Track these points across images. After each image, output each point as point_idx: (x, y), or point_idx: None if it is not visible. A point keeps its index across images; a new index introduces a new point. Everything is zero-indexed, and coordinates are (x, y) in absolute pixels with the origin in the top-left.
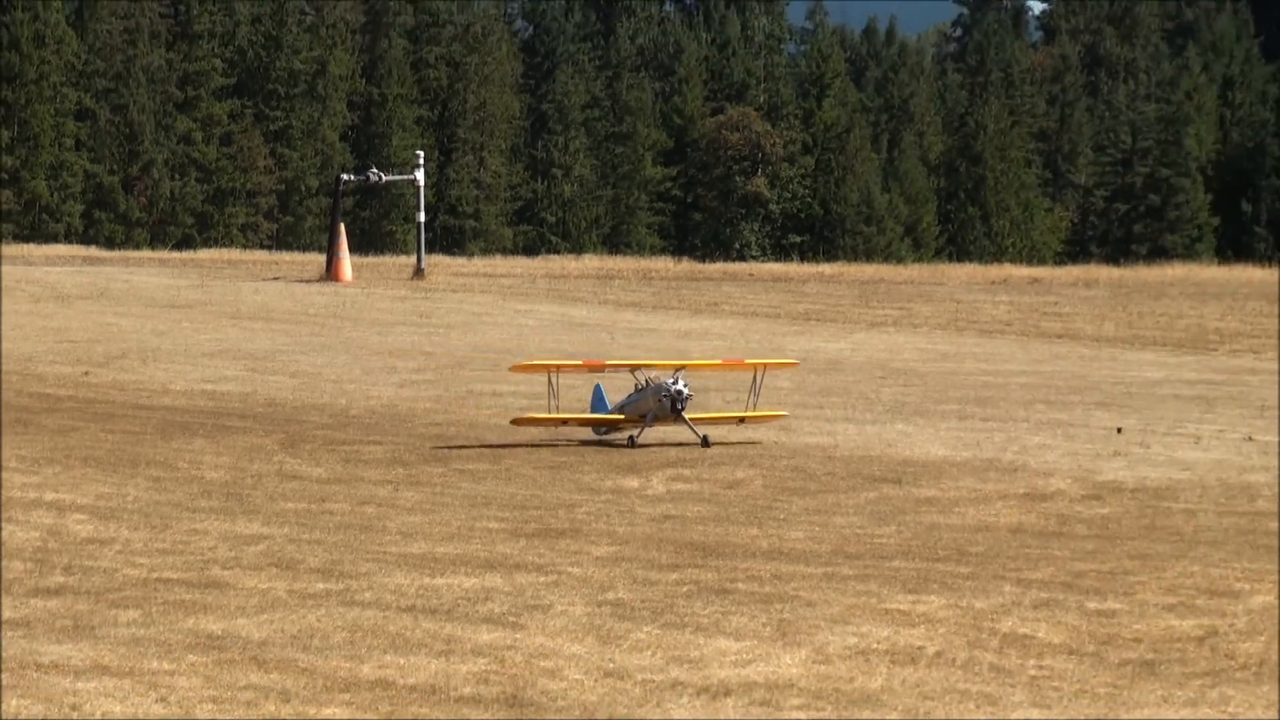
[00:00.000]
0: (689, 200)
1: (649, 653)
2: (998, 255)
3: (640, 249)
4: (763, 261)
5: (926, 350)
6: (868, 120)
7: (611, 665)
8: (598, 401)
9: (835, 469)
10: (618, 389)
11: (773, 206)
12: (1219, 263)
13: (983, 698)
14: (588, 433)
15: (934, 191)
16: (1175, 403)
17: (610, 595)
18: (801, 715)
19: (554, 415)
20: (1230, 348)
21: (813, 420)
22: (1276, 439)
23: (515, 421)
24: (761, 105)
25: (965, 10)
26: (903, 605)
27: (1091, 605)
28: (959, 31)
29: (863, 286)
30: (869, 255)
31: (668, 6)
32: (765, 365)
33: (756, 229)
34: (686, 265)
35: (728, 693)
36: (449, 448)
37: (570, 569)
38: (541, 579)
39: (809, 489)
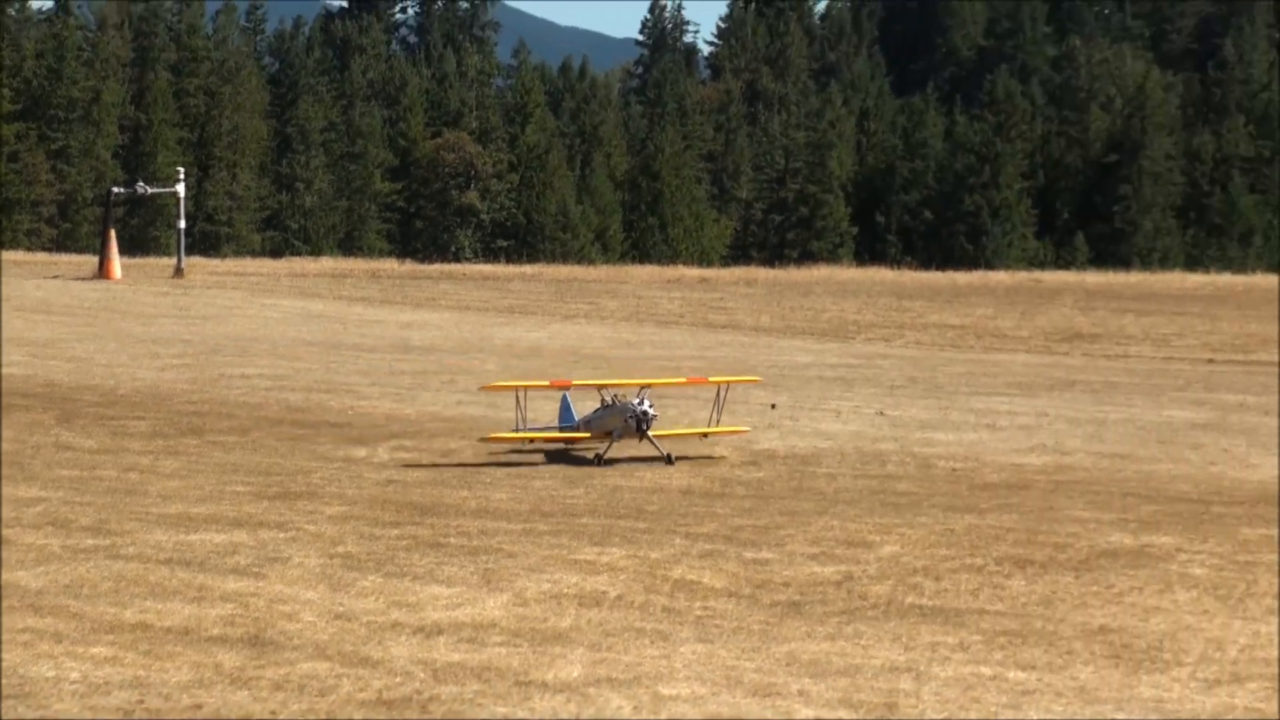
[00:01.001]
0: (412, 210)
1: (373, 598)
2: (673, 258)
3: (370, 252)
4: (475, 263)
5: (612, 338)
6: (564, 143)
7: (341, 609)
8: (565, 411)
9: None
10: (583, 402)
11: (483, 216)
12: (856, 265)
13: (656, 634)
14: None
15: (619, 203)
16: (820, 383)
17: (340, 549)
18: (503, 650)
19: (522, 434)
20: (865, 336)
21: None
22: (903, 413)
23: (485, 439)
24: (474, 130)
25: (646, 51)
26: (589, 556)
27: (748, 555)
28: (641, 69)
29: (559, 284)
30: (564, 257)
31: (394, 46)
32: (728, 382)
33: (469, 235)
34: (409, 266)
35: (440, 632)
36: (203, 423)
37: (306, 526)
38: (281, 535)
39: (511, 458)
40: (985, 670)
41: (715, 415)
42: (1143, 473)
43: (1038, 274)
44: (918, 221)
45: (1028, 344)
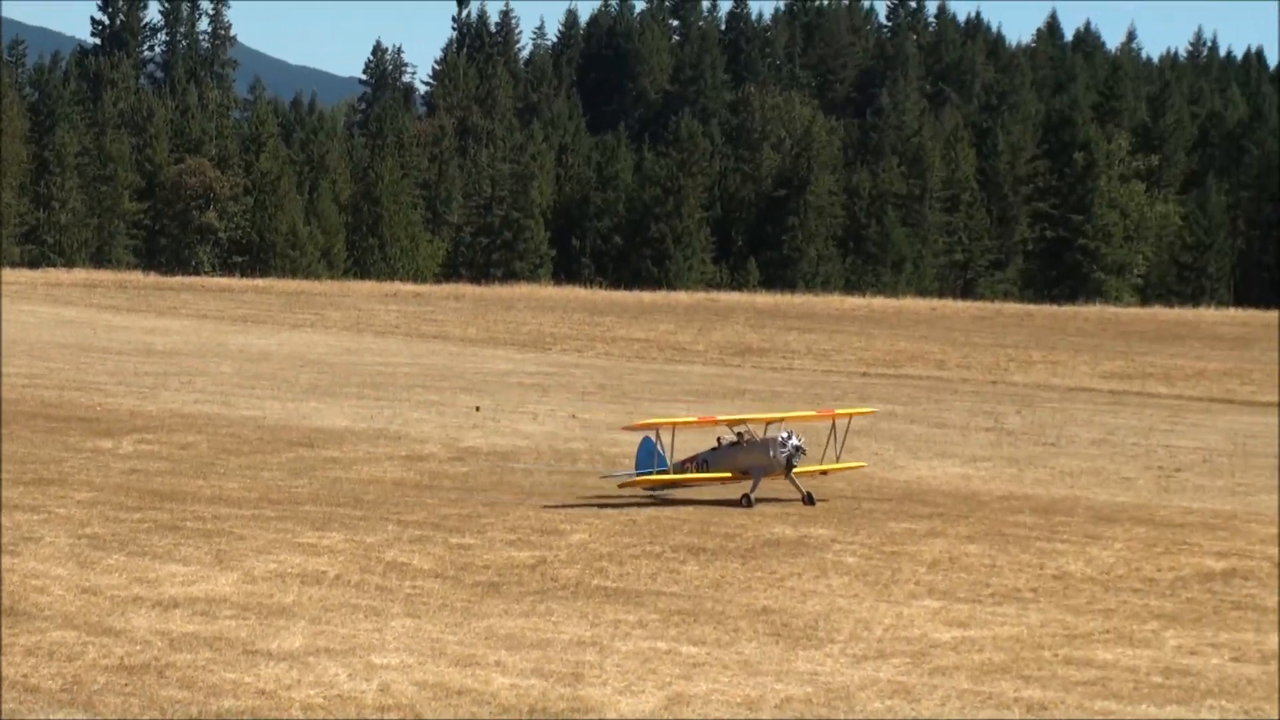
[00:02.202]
0: (156, 228)
1: (117, 574)
2: (390, 274)
3: (119, 264)
4: (212, 276)
5: (335, 346)
6: (294, 170)
7: (87, 584)
8: (646, 455)
9: (264, 435)
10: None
11: (221, 234)
12: (554, 284)
13: (370, 610)
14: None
15: (343, 225)
16: (519, 388)
17: (88, 530)
18: (232, 622)
19: (655, 477)
20: (561, 348)
21: (247, 398)
22: (593, 417)
23: (622, 485)
24: (213, 156)
25: (368, 89)
26: (311, 539)
27: (453, 540)
28: (364, 105)
29: (288, 296)
30: (293, 272)
31: (142, 80)
32: (850, 415)
33: (208, 251)
34: (154, 278)
35: (176, 605)
36: None
37: (57, 509)
38: (35, 517)
39: (243, 450)
40: (661, 645)
41: (834, 449)
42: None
43: (714, 294)
44: (609, 245)
45: (704, 356)
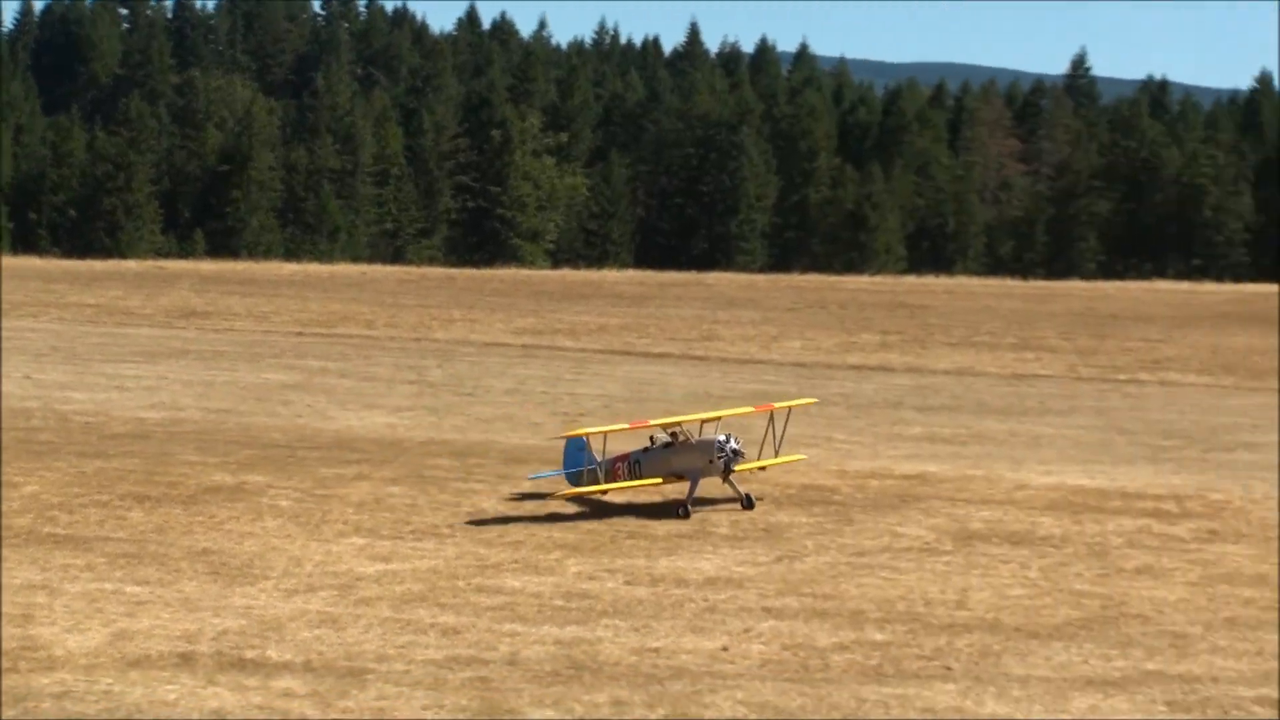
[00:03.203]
0: None
1: None
2: None
3: None
4: None
5: None
6: None
7: None
8: (576, 453)
9: None
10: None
11: None
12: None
13: None
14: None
15: None
16: None
17: None
18: None
19: (593, 488)
20: (17, 313)
21: None
22: (46, 377)
23: (565, 495)
24: None
25: None
26: None
27: None
28: None
29: None
30: None
31: None
32: (790, 407)
33: None
34: None
35: None
36: None
37: None
38: None
39: None
40: (108, 586)
41: (771, 444)
42: (243, 424)
43: (162, 262)
44: (64, 218)
45: (151, 320)
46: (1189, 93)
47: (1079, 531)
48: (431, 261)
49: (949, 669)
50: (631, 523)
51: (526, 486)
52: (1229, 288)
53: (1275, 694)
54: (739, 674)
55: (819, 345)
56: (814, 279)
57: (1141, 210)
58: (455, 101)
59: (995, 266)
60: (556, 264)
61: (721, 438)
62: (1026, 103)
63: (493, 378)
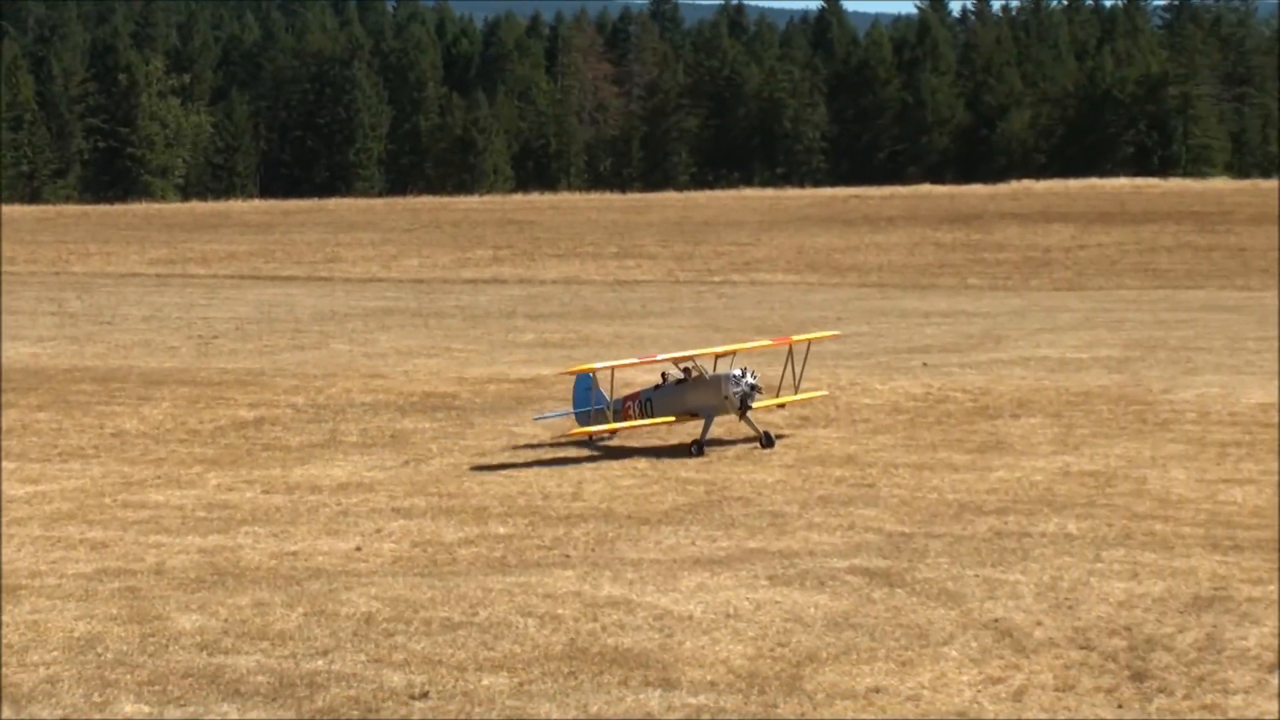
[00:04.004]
0: None
1: None
2: None
3: None
4: None
5: None
6: None
7: None
8: (584, 394)
9: None
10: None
11: None
12: None
13: None
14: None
15: None
16: None
17: None
18: None
19: (602, 427)
20: None
21: None
22: None
23: (568, 435)
24: None
25: None
26: None
27: None
28: None
29: None
30: None
31: None
32: (809, 340)
33: None
34: None
35: None
36: None
37: None
38: None
39: None
40: None
41: (792, 378)
42: None
43: None
44: None
45: None
46: (764, 14)
47: (682, 424)
48: (68, 200)
49: (568, 556)
50: (267, 434)
51: (531, 429)
52: (809, 192)
53: (866, 563)
54: (372, 571)
55: (436, 262)
56: (428, 200)
57: (727, 124)
58: (82, 49)
59: (596, 182)
60: (186, 197)
61: (737, 371)
62: (616, 29)
63: (130, 306)
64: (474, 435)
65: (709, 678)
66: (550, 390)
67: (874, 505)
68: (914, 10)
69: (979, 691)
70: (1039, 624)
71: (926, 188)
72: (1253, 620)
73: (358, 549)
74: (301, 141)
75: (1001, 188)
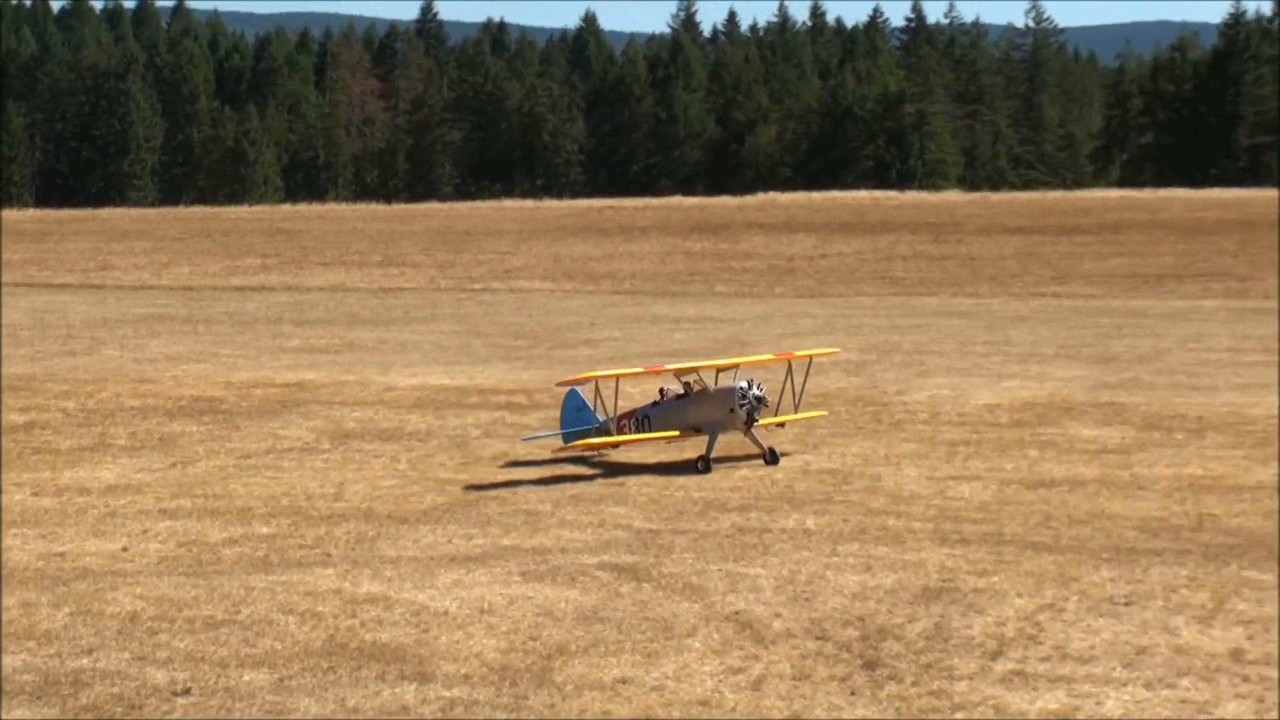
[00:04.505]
0: None
1: None
2: None
3: None
4: None
5: None
6: None
7: None
8: (574, 412)
9: None
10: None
11: None
12: None
13: None
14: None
15: None
16: None
17: None
18: None
19: (597, 441)
20: None
21: None
22: None
23: (559, 451)
24: None
25: None
26: None
27: None
28: None
29: None
30: None
31: None
32: (811, 356)
33: None
34: None
35: None
36: None
37: None
38: None
39: None
40: None
41: (794, 395)
42: None
43: None
44: None
45: None
46: (525, 32)
47: (442, 425)
48: None
49: (329, 555)
50: (37, 438)
51: (521, 449)
52: (567, 203)
53: (615, 559)
54: (138, 571)
55: (206, 270)
56: (200, 210)
57: (489, 138)
58: None
59: (363, 193)
60: None
61: (744, 384)
62: (383, 45)
63: None
64: (239, 438)
65: (463, 671)
66: (314, 394)
67: (624, 503)
68: (667, 30)
69: (720, 681)
70: (778, 616)
71: (678, 199)
72: (978, 610)
73: (124, 549)
74: (77, 152)
75: (749, 199)
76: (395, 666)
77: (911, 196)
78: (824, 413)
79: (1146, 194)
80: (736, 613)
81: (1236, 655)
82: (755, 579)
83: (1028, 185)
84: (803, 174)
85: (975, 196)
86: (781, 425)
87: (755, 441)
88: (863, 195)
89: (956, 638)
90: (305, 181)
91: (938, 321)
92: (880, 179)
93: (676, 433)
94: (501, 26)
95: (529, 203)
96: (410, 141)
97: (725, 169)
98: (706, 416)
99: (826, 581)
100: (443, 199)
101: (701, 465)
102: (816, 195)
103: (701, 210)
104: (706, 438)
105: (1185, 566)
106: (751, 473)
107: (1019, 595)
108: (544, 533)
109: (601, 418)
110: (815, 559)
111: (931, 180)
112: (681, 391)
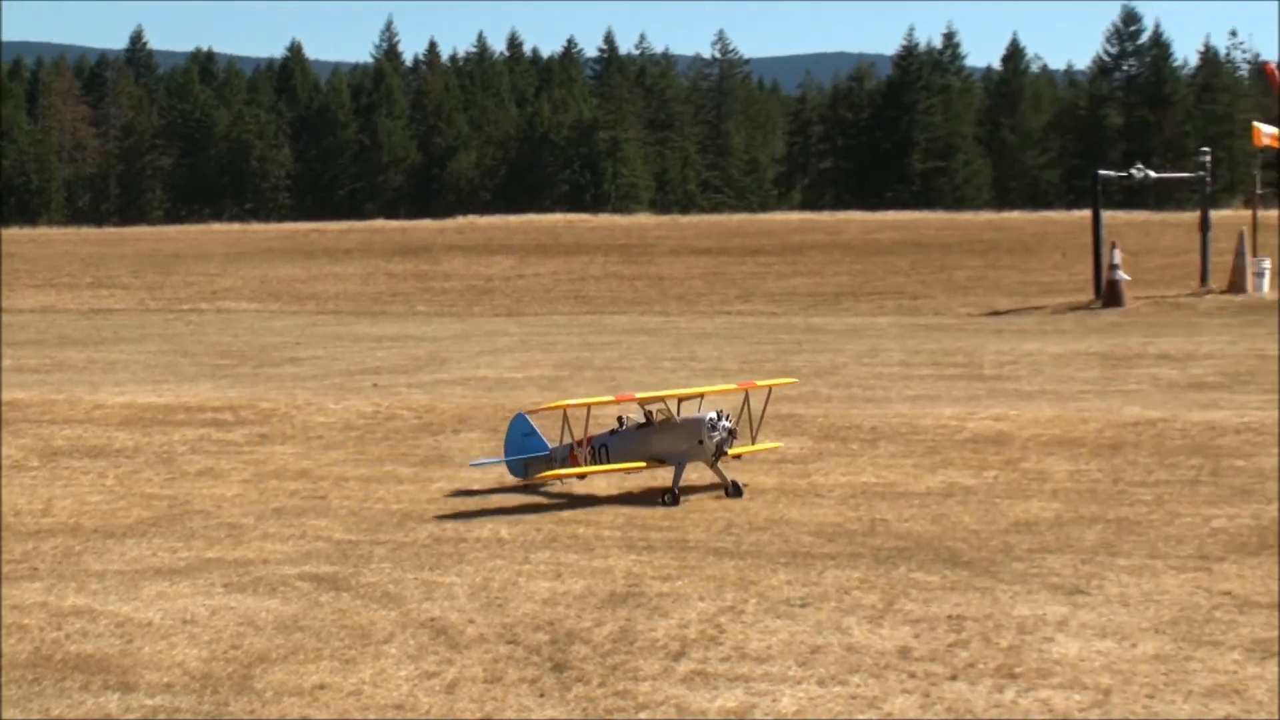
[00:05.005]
0: None
1: None
2: None
3: None
4: None
5: None
6: None
7: None
8: (520, 438)
9: None
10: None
11: None
12: None
13: None
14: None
15: None
16: None
17: None
18: None
19: (561, 471)
20: None
21: None
22: None
23: (538, 479)
24: None
25: None
26: None
27: None
28: None
29: None
30: None
31: None
32: (770, 385)
33: None
34: None
35: None
36: None
37: None
38: None
39: None
40: None
41: (749, 428)
42: None
43: None
44: None
45: None
46: (233, 61)
47: (149, 442)
48: None
49: (35, 569)
50: None
51: (470, 474)
52: (274, 227)
53: (315, 570)
54: None
55: None
56: None
57: (199, 163)
58: None
59: (75, 217)
60: None
61: (713, 415)
62: (94, 74)
63: None
64: None
65: (165, 680)
66: (23, 413)
67: (325, 515)
68: (370, 59)
69: (415, 685)
70: (471, 622)
71: (381, 222)
72: (662, 613)
73: None
74: None
75: (449, 222)
76: (100, 677)
77: (605, 219)
78: (779, 444)
79: (825, 216)
80: (432, 619)
81: (904, 653)
82: (450, 587)
83: (715, 208)
84: (501, 198)
85: (665, 219)
86: (738, 457)
87: (719, 474)
88: (558, 218)
89: (641, 640)
90: (18, 206)
91: (628, 339)
92: (575, 203)
93: (644, 464)
94: (210, 56)
95: (237, 226)
96: (121, 167)
97: (427, 193)
98: (671, 447)
99: (518, 588)
100: (153, 223)
101: (669, 498)
102: (514, 218)
103: (404, 233)
104: (673, 470)
105: (858, 569)
106: (448, 484)
107: (701, 599)
108: (247, 545)
109: (550, 445)
110: (508, 566)
111: (624, 204)
112: (643, 420)
